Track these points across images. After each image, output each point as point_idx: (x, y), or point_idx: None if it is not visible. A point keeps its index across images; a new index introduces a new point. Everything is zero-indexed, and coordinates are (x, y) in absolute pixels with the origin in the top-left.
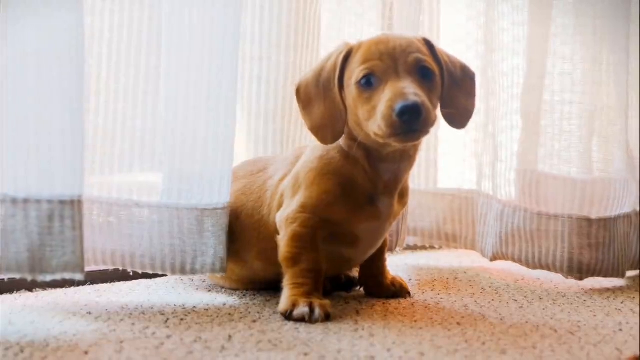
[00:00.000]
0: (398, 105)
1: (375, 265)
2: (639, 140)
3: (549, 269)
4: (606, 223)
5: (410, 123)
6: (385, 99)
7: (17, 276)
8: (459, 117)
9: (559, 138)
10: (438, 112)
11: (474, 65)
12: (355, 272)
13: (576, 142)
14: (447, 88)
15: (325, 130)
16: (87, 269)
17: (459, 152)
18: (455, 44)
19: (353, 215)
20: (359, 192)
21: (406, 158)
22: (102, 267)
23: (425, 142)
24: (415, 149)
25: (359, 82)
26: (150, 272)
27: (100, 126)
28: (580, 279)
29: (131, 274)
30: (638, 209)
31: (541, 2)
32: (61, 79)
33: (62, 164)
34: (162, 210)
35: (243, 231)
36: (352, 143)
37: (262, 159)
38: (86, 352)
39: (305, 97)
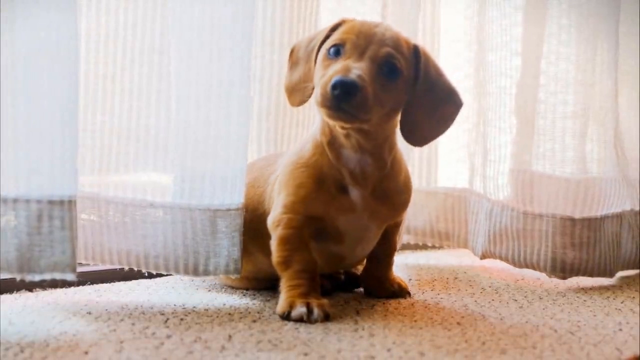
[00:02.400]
0: (334, 78)
1: (379, 267)
2: (639, 140)
3: (533, 268)
4: (590, 223)
5: (339, 99)
6: (332, 70)
7: (6, 275)
8: (418, 134)
9: (544, 137)
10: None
11: (472, 65)
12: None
13: (560, 142)
14: (417, 100)
15: (296, 92)
16: (89, 268)
17: (454, 151)
18: (454, 44)
19: (329, 206)
20: (329, 181)
21: (366, 151)
22: (114, 267)
23: None
24: (373, 144)
25: (328, 49)
26: (164, 272)
27: (116, 126)
28: (564, 278)
29: (146, 273)
30: (637, 209)
31: (536, 2)
32: (53, 79)
33: (53, 164)
34: (175, 211)
35: (250, 223)
36: (324, 125)
37: (276, 154)
38: (86, 352)
39: (295, 58)
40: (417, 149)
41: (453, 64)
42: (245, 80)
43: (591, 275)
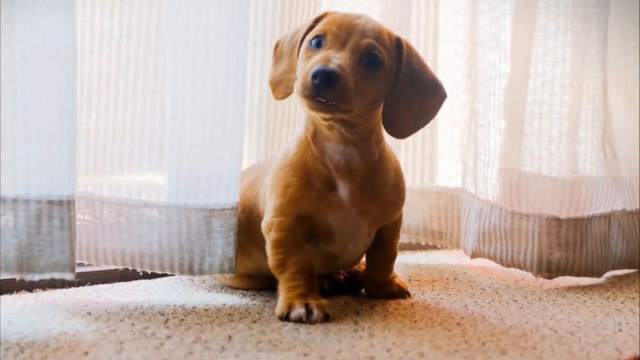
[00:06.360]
0: (315, 68)
1: (379, 273)
2: (639, 140)
3: (520, 268)
4: (577, 223)
5: (320, 88)
6: (313, 60)
7: (6, 275)
8: (399, 126)
9: (532, 138)
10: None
11: (469, 65)
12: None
13: (548, 142)
14: (399, 92)
15: (279, 85)
16: (89, 269)
17: (452, 150)
18: (455, 44)
19: (317, 204)
20: (316, 178)
21: (351, 143)
22: (110, 267)
23: (411, 139)
24: (358, 137)
25: (310, 41)
26: (160, 272)
27: (111, 126)
28: (550, 277)
29: (141, 273)
30: (628, 209)
31: (526, 4)
32: (51, 79)
33: (51, 164)
34: (170, 211)
35: (247, 224)
36: (308, 120)
37: (273, 157)
38: (86, 353)
39: (279, 52)
40: (418, 147)
41: (453, 65)
42: (241, 80)
43: (578, 274)
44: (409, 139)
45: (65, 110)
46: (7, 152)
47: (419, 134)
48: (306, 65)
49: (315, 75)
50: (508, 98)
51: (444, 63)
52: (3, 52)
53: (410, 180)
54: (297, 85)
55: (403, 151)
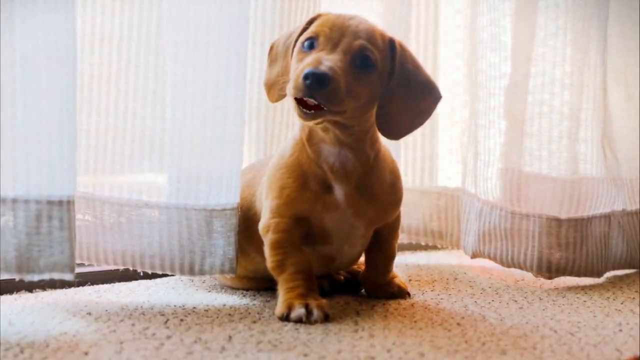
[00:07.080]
0: (306, 70)
1: (378, 273)
2: (639, 140)
3: (520, 268)
4: (577, 223)
5: (311, 90)
6: (304, 62)
7: (5, 276)
8: (394, 127)
9: (532, 138)
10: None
11: (470, 66)
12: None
13: (549, 142)
14: (393, 92)
15: (274, 88)
16: (89, 269)
17: (453, 151)
18: (456, 45)
19: (314, 205)
20: (311, 179)
21: (346, 145)
22: (111, 267)
23: (411, 139)
24: (353, 138)
25: (302, 43)
26: (160, 272)
27: (111, 126)
28: (550, 278)
29: (141, 273)
30: (628, 209)
31: (527, 4)
32: (51, 79)
33: (51, 164)
34: (171, 211)
35: (244, 223)
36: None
37: (271, 155)
38: (86, 353)
39: (274, 54)
40: (418, 147)
41: (453, 65)
42: (241, 80)
43: (578, 275)
44: (409, 138)
45: (65, 110)
46: (7, 152)
47: (418, 134)
48: (298, 67)
49: (306, 77)
50: (508, 98)
51: (444, 63)
52: (3, 52)
53: (410, 180)
54: (289, 88)
55: (403, 151)
